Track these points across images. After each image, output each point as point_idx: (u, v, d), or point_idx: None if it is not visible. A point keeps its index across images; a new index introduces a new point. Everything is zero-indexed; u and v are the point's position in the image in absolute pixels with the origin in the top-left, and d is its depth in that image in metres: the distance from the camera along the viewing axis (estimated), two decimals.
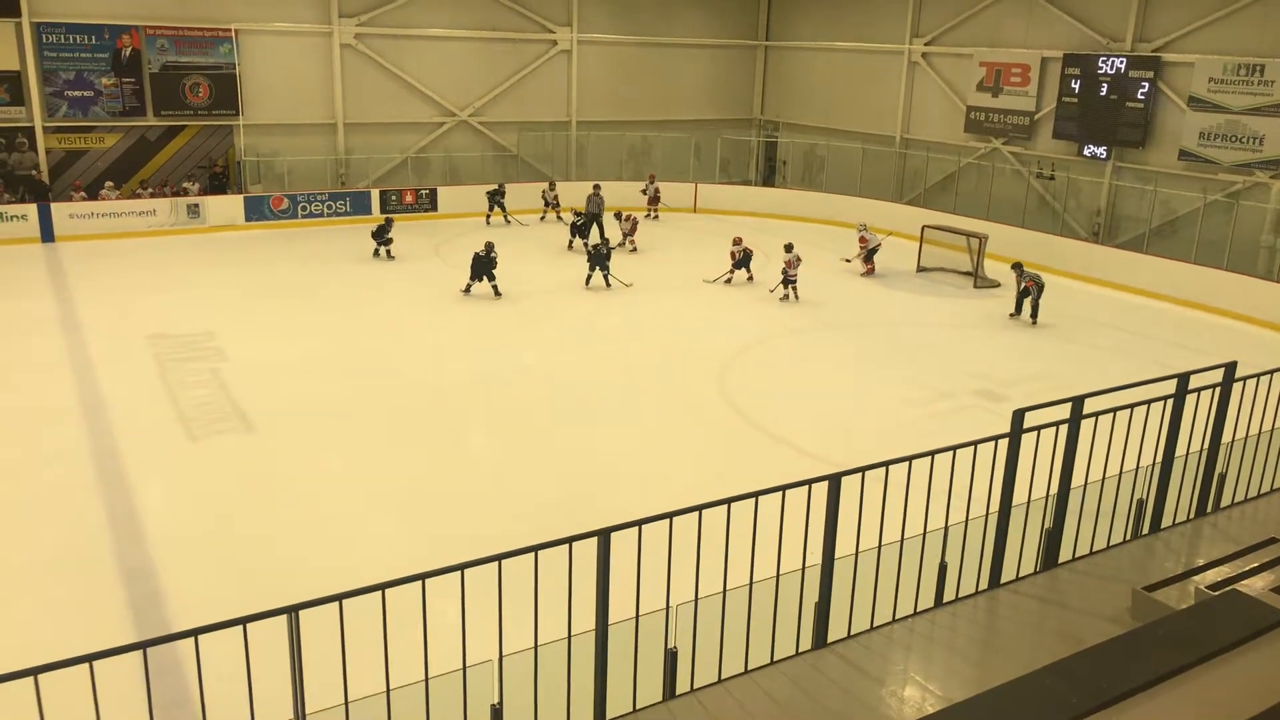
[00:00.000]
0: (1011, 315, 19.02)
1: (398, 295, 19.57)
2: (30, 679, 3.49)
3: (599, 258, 20.10)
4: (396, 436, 12.91)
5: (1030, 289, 18.64)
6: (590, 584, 4.80)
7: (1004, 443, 6.02)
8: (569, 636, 4.86)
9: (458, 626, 4.56)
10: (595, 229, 23.74)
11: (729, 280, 20.87)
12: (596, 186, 25.31)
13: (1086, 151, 24.21)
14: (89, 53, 23.98)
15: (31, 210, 22.78)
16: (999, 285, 21.41)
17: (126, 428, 12.80)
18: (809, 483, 5.32)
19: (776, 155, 32.71)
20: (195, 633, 3.81)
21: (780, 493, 5.20)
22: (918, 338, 17.90)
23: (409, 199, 26.95)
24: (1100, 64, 23.54)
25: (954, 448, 5.82)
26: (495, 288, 19.30)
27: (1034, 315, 18.66)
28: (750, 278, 20.97)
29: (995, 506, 6.20)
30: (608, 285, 20.06)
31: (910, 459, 5.63)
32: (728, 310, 19.19)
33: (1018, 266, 19.17)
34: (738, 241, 21.10)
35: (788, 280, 19.73)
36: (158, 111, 24.97)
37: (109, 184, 24.44)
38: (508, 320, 18.25)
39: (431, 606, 4.59)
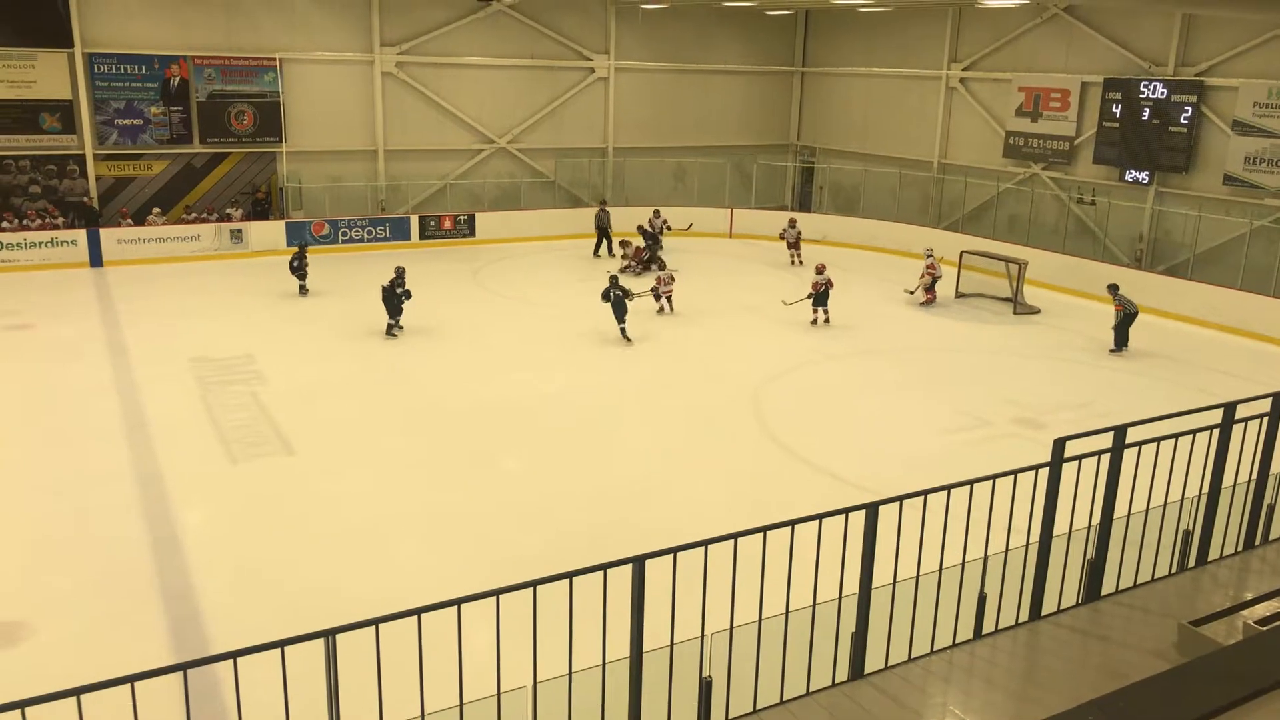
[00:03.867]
0: (1112, 351, 18.33)
1: (433, 319, 19.72)
2: (73, 699, 3.54)
3: (620, 308, 18.13)
4: (432, 460, 12.99)
5: (1118, 313, 18.24)
6: (624, 610, 4.78)
7: (1044, 472, 5.93)
8: (603, 664, 4.84)
9: (492, 651, 4.56)
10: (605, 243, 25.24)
11: (817, 320, 19.52)
12: (603, 202, 26.78)
13: (1128, 176, 23.95)
14: (139, 82, 24.59)
15: (81, 236, 23.33)
16: (1039, 311, 21.19)
17: (169, 450, 13.00)
18: (846, 511, 5.28)
19: (813, 180, 32.69)
20: (235, 655, 3.84)
21: (817, 521, 5.16)
22: (956, 364, 17.74)
23: (448, 225, 27.25)
24: (1142, 88, 23.31)
25: (993, 476, 5.74)
26: (391, 325, 18.11)
27: (1117, 343, 18.30)
28: (827, 319, 19.52)
29: (1035, 537, 6.10)
30: (626, 338, 18.27)
31: (949, 488, 5.57)
32: (763, 335, 19.13)
33: (1113, 288, 18.62)
34: (820, 269, 19.77)
35: (818, 302, 19.47)
36: (204, 139, 25.52)
37: (156, 210, 24.98)
38: (543, 343, 18.33)
39: (466, 631, 4.59)
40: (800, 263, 24.91)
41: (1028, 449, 13.39)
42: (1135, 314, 18.22)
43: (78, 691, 3.50)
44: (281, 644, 3.88)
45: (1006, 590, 5.95)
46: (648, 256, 24.27)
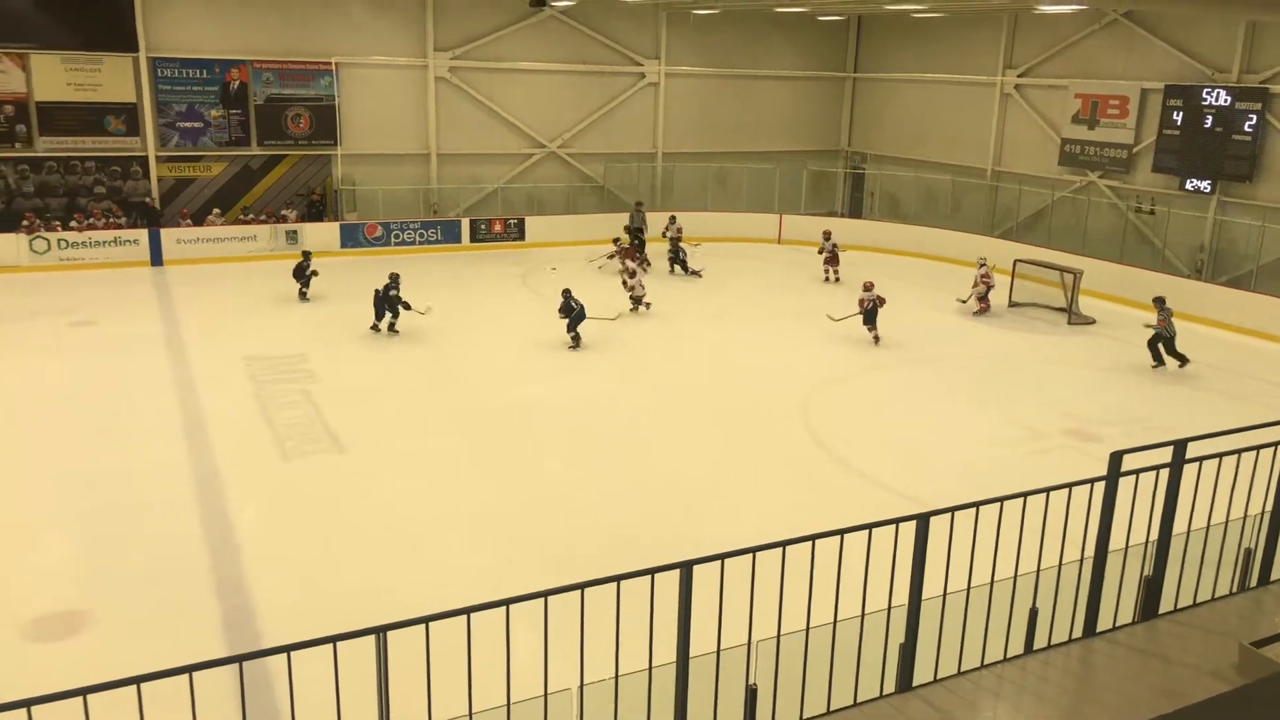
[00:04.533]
0: (1155, 366, 17.61)
1: (483, 321, 19.90)
2: (133, 687, 3.62)
3: (578, 316, 18.13)
4: (479, 460, 13.09)
5: (1160, 330, 17.48)
6: (669, 615, 4.77)
7: (1100, 486, 5.82)
8: (650, 668, 4.84)
9: (538, 652, 4.58)
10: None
11: (875, 341, 18.76)
12: (639, 204, 27.02)
13: (1189, 185, 23.43)
14: (200, 86, 25.15)
15: (143, 235, 23.90)
16: (1094, 322, 20.81)
17: (224, 446, 13.27)
18: (897, 521, 5.22)
19: (864, 187, 32.44)
20: (288, 649, 3.91)
21: (866, 531, 5.11)
22: (1008, 374, 17.47)
23: (498, 228, 27.47)
24: (1204, 95, 22.80)
25: (1047, 489, 5.64)
26: (391, 324, 18.48)
27: (1157, 358, 17.58)
28: (877, 337, 18.74)
29: (1090, 552, 5.98)
30: (576, 345, 18.19)
31: (1002, 500, 5.48)
32: (812, 342, 19.01)
33: (1159, 301, 17.74)
34: (868, 287, 18.99)
35: (867, 319, 18.97)
36: (261, 141, 26.02)
37: (216, 211, 25.53)
38: (589, 346, 18.39)
39: (513, 632, 4.62)
40: (837, 279, 23.94)
41: (1081, 462, 13.17)
42: (1171, 337, 17.43)
43: (138, 680, 3.58)
44: (334, 639, 3.94)
45: (1060, 606, 5.84)
46: (638, 257, 24.24)
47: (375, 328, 18.55)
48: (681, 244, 24.84)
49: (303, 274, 21.02)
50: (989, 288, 21.33)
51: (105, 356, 16.96)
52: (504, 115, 28.48)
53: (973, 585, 5.69)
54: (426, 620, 4.11)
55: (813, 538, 5.04)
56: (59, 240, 23.19)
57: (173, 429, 13.80)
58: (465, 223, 27.27)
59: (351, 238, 25.84)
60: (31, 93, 23.65)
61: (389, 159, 27.41)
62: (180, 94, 25.01)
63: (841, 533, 5.11)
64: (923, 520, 5.28)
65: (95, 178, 24.72)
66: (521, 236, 27.66)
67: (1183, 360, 17.41)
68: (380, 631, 4.05)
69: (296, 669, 4.07)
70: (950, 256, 26.12)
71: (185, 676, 3.77)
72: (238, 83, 25.44)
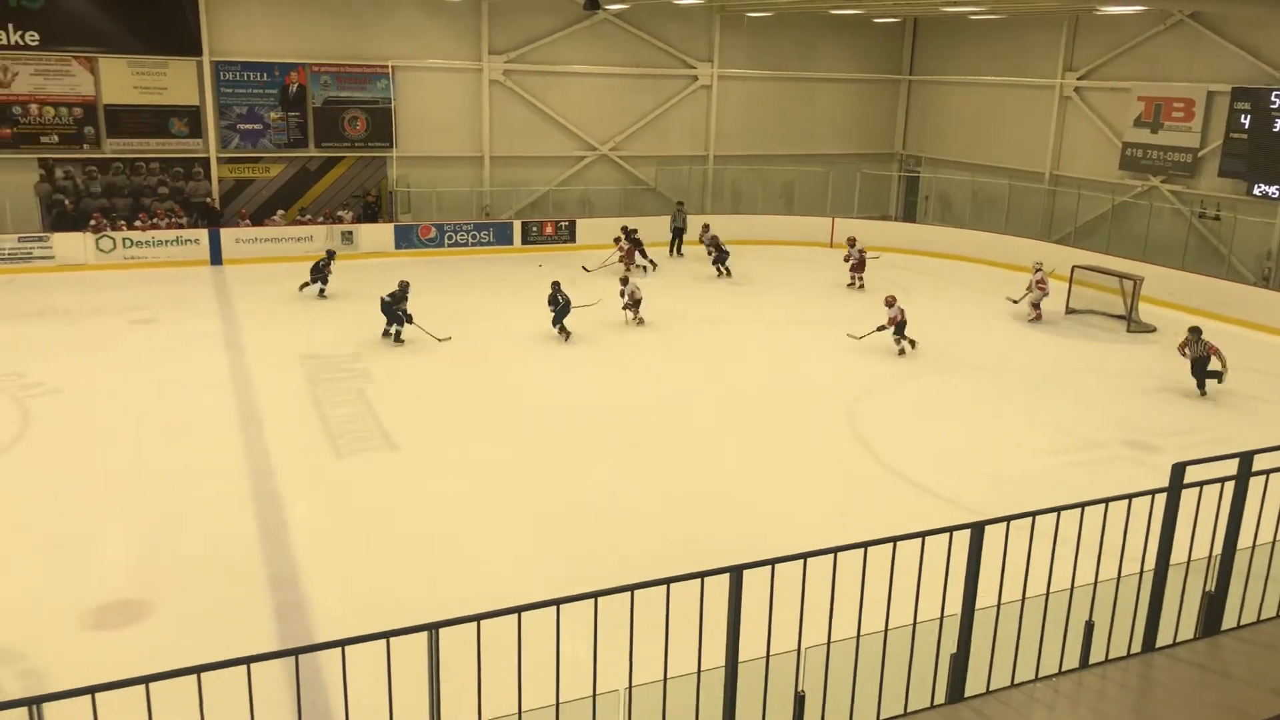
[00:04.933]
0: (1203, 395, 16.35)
1: (532, 321, 20.01)
2: (193, 676, 3.70)
3: (563, 309, 18.56)
4: (528, 461, 13.17)
5: (1207, 355, 16.23)
6: (717, 620, 4.76)
7: (1161, 498, 5.68)
8: (698, 671, 4.83)
9: (587, 653, 4.60)
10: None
11: (904, 350, 18.31)
12: (680, 204, 27.37)
13: (1256, 190, 22.81)
14: (260, 89, 25.66)
15: (203, 235, 24.43)
16: (1155, 330, 20.34)
17: (279, 442, 13.50)
18: (950, 530, 5.15)
19: (918, 190, 32.08)
20: (343, 643, 3.96)
21: (920, 539, 5.05)
22: (1064, 382, 17.14)
23: (549, 230, 27.63)
24: (1274, 98, 22.19)
25: (1106, 500, 5.53)
26: (398, 333, 18.12)
27: (1201, 386, 16.35)
28: (913, 343, 18.31)
29: (1150, 565, 5.85)
30: (566, 338, 18.65)
31: (1059, 510, 5.38)
32: (861, 347, 18.82)
33: (1195, 330, 16.55)
34: (890, 302, 18.42)
35: (898, 333, 18.27)
36: (318, 143, 26.47)
37: (280, 212, 26.04)
38: (637, 349, 18.43)
39: (562, 631, 4.64)
40: (861, 285, 23.44)
41: (1139, 473, 12.87)
42: (1205, 359, 16.20)
43: (198, 670, 3.66)
44: (387, 635, 3.98)
45: (1117, 620, 5.72)
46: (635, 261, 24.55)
47: (386, 333, 18.22)
48: (723, 246, 24.75)
49: (320, 272, 21.32)
50: (1043, 294, 20.91)
51: (165, 353, 17.36)
52: (556, 118, 28.64)
53: (1027, 596, 5.59)
54: (478, 618, 4.14)
55: (865, 545, 4.99)
56: (124, 239, 23.80)
57: (229, 425, 14.08)
58: (517, 225, 27.47)
59: (406, 239, 26.17)
60: (100, 95, 24.32)
61: (443, 161, 27.71)
62: (241, 96, 25.54)
63: (894, 540, 5.05)
64: (977, 529, 5.20)
65: (159, 178, 25.34)
66: (573, 239, 27.79)
67: (1218, 377, 16.26)
68: (433, 628, 4.09)
69: (349, 663, 4.12)
70: (1006, 262, 25.71)
71: (240, 668, 3.85)
72: (296, 86, 25.91)
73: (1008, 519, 5.27)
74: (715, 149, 30.66)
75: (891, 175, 32.64)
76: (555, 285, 18.95)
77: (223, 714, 4.12)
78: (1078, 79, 27.13)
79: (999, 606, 5.49)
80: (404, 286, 18.35)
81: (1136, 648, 5.81)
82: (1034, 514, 5.37)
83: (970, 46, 30.21)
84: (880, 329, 18.18)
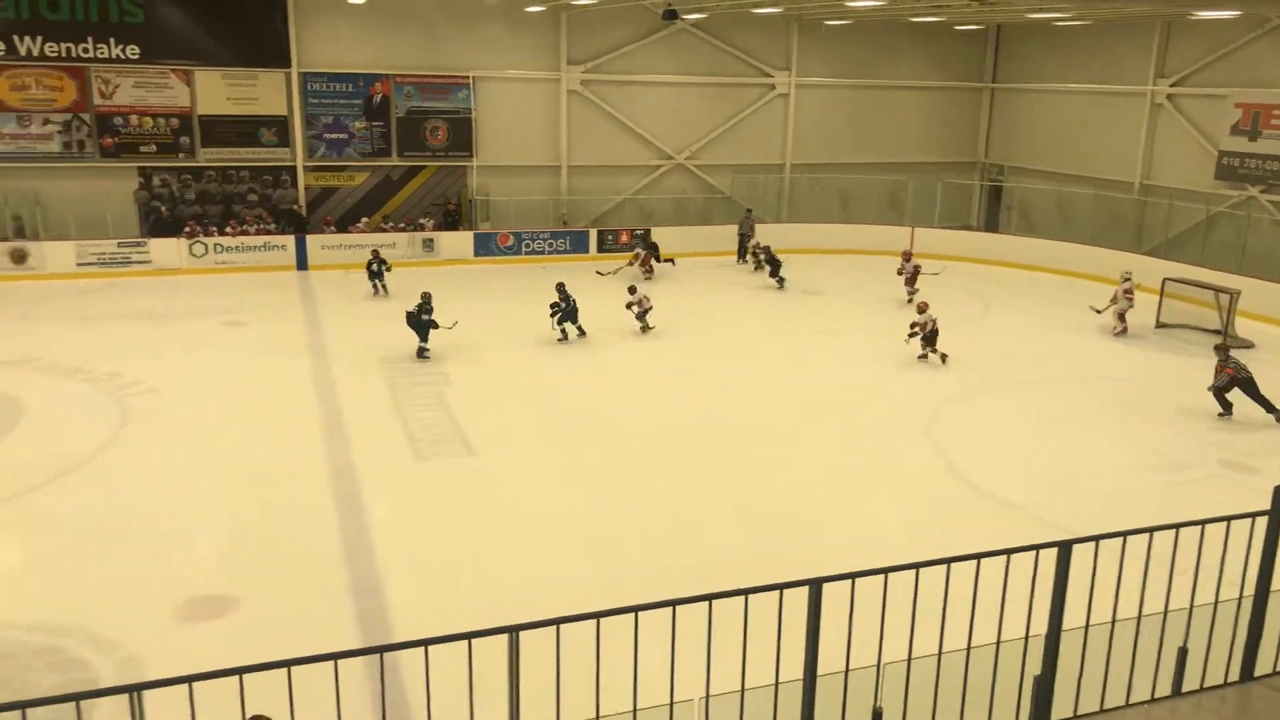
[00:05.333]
0: (1221, 415, 15.42)
1: (606, 330, 20.13)
2: (284, 670, 3.81)
3: (570, 312, 18.69)
4: (602, 466, 13.24)
5: (1223, 377, 15.21)
6: (792, 632, 4.71)
7: (1262, 521, 5.46)
8: (776, 684, 4.79)
9: (662, 661, 4.60)
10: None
11: (927, 357, 18.05)
12: (749, 211, 27.52)
13: None
14: (346, 99, 26.35)
15: (290, 241, 25.16)
16: (1252, 345, 19.56)
17: (361, 444, 13.80)
18: (1037, 548, 5.02)
19: (1001, 200, 31.42)
20: (425, 643, 4.03)
21: (1005, 556, 4.94)
22: (1156, 399, 16.57)
23: (624, 239, 27.77)
24: None
25: (1203, 522, 5.34)
26: (422, 350, 17.75)
27: (1225, 406, 15.33)
28: (943, 357, 17.93)
29: (1249, 591, 5.62)
30: (564, 337, 19.01)
31: (1151, 530, 5.22)
32: (939, 358, 18.49)
33: (1222, 349, 15.72)
34: (922, 308, 18.28)
35: (928, 342, 17.91)
36: (401, 153, 27.05)
37: (365, 219, 26.68)
38: (710, 357, 18.39)
39: (640, 639, 4.65)
40: (911, 300, 22.85)
41: (1236, 494, 12.41)
42: (1246, 378, 15.16)
43: (288, 663, 3.76)
44: (469, 636, 4.04)
45: (1214, 647, 5.51)
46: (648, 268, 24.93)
47: (424, 350, 17.78)
48: (775, 255, 24.78)
49: (371, 270, 22.22)
50: (1129, 305, 20.25)
51: (253, 355, 17.91)
52: (633, 127, 28.80)
53: (1117, 619, 5.42)
54: (557, 622, 4.18)
55: (948, 561, 4.90)
56: (215, 245, 24.64)
57: (313, 426, 14.44)
58: (593, 233, 27.67)
59: (484, 246, 26.57)
60: (195, 106, 25.23)
61: (521, 170, 28.08)
62: (327, 107, 26.25)
63: (978, 556, 4.95)
64: (1065, 547, 5.06)
65: (249, 186, 26.17)
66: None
67: (1269, 407, 15.12)
68: (513, 631, 4.14)
69: (421, 663, 4.19)
70: (1091, 273, 24.98)
71: (324, 664, 3.95)
72: (380, 96, 26.53)
73: (1097, 538, 5.12)
74: (792, 157, 30.48)
75: (973, 184, 32.04)
76: (561, 287, 19.14)
77: (303, 708, 4.22)
78: (1170, 86, 26.28)
79: (1087, 629, 5.33)
80: (426, 299, 17.96)
81: (1234, 676, 5.59)
82: (1125, 534, 5.21)
83: (1056, 53, 29.49)
84: (911, 335, 18.00)
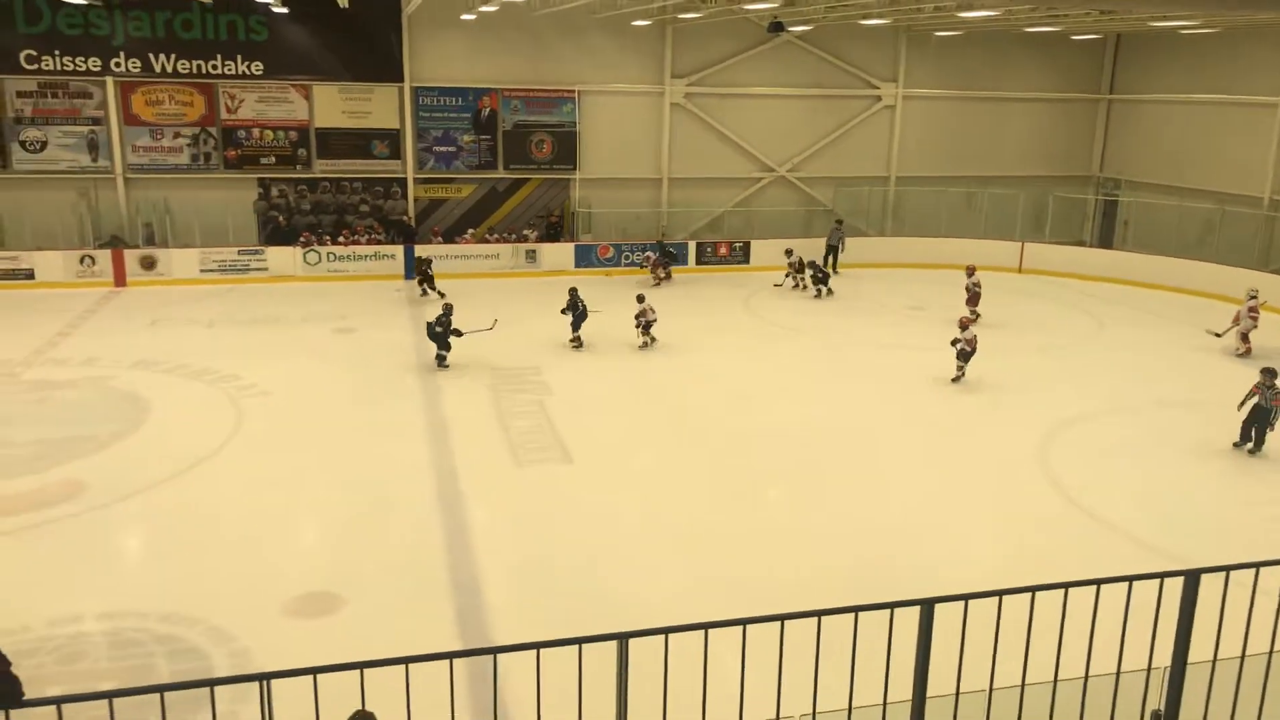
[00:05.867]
0: (1236, 445, 14.32)
1: (704, 341, 20.13)
2: (402, 665, 3.91)
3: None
4: (698, 479, 13.21)
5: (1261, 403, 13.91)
6: (900, 652, 4.61)
7: None
8: (884, 704, 4.71)
9: (767, 676, 4.56)
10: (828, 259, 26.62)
11: (959, 379, 17.30)
12: (839, 221, 27.52)
13: None
14: (455, 113, 27.03)
15: (399, 251, 25.89)
16: None
17: (464, 450, 14.10)
18: (1161, 575, 4.81)
19: (1117, 215, 30.29)
20: (537, 646, 4.08)
21: (1126, 583, 4.75)
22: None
23: (723, 251, 27.74)
24: None
25: None
26: (443, 359, 17.71)
27: (1246, 439, 14.24)
28: (961, 374, 17.30)
29: None
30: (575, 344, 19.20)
31: None
32: (1055, 377, 17.90)
33: (1269, 372, 13.97)
34: (964, 325, 17.59)
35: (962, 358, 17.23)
36: (507, 165, 27.60)
37: (471, 231, 27.31)
38: (809, 371, 18.19)
39: (731, 654, 4.62)
40: (976, 319, 22.05)
41: None
42: (1270, 411, 13.87)
43: (406, 660, 3.86)
44: (579, 641, 4.08)
45: None
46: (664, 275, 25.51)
47: (443, 360, 17.78)
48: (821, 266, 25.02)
49: (421, 273, 23.25)
50: (1253, 325, 19.25)
51: (362, 361, 18.48)
52: (735, 139, 28.77)
53: (1247, 654, 5.15)
54: (666, 631, 4.18)
55: (1065, 585, 4.73)
56: (328, 254, 25.54)
57: (418, 432, 14.81)
58: (692, 245, 27.71)
59: (585, 258, 26.88)
60: (312, 120, 26.24)
61: (623, 183, 28.33)
62: (437, 120, 26.97)
63: (1098, 582, 4.77)
64: (1192, 576, 4.83)
65: (361, 197, 27.06)
66: (746, 260, 27.79)
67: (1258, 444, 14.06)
68: (623, 638, 4.16)
69: (525, 667, 4.24)
70: (1214, 292, 23.88)
71: (420, 664, 4.02)
72: (488, 110, 27.13)
73: (1228, 568, 4.87)
74: (897, 170, 29.99)
75: (1087, 199, 30.98)
76: (573, 291, 19.41)
77: (397, 706, 4.29)
78: None
79: (1214, 663, 5.08)
80: (448, 310, 17.95)
81: None
82: (1259, 565, 4.95)
83: (1179, 62, 28.32)
84: (954, 343, 17.33)
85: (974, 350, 17.23)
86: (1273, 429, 14.10)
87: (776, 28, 24.27)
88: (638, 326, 19.46)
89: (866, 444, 14.67)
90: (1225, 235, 25.97)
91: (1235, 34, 26.05)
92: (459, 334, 17.77)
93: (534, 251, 26.67)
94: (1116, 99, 30.70)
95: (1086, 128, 31.26)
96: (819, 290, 24.21)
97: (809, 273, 24.55)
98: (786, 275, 24.85)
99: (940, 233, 28.79)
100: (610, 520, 11.97)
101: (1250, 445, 14.26)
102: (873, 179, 29.96)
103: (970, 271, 22.72)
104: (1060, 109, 30.88)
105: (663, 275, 25.64)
